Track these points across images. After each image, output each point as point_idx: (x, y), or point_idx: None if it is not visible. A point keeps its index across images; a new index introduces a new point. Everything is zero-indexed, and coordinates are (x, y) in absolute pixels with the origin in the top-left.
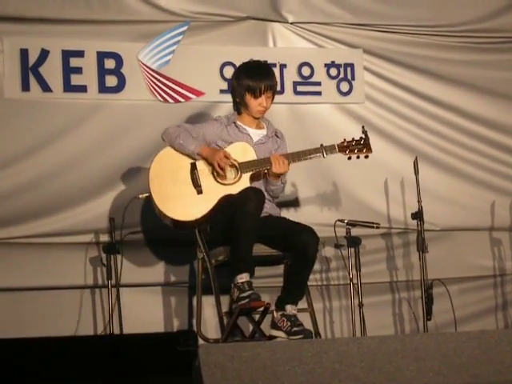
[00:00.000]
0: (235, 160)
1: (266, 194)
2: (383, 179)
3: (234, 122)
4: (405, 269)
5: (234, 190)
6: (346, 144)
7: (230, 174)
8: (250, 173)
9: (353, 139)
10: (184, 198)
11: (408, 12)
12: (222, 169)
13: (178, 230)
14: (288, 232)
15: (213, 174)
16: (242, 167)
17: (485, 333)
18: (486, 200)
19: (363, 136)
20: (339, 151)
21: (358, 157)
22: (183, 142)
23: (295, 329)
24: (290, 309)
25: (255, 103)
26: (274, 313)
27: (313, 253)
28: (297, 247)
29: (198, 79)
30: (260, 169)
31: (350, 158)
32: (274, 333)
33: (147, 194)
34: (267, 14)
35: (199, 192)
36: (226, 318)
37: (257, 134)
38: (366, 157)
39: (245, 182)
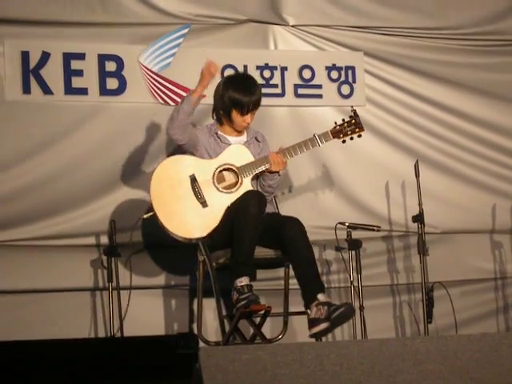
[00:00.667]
0: (233, 165)
1: (261, 189)
2: (384, 182)
3: (216, 133)
4: (405, 271)
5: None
6: (338, 128)
7: (230, 179)
8: (251, 176)
9: (343, 120)
10: (190, 214)
11: (409, 15)
12: (215, 70)
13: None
14: (275, 228)
15: (214, 183)
16: (241, 172)
17: (486, 336)
18: (487, 203)
19: (352, 115)
20: (333, 137)
21: (351, 138)
22: (176, 106)
23: (333, 307)
24: (322, 297)
25: (240, 119)
26: (309, 311)
27: (302, 242)
28: (285, 241)
29: None
30: (259, 170)
31: (344, 142)
32: (314, 330)
33: (152, 213)
34: (268, 16)
35: (204, 205)
36: (226, 320)
37: (237, 141)
38: (359, 136)
39: (247, 186)
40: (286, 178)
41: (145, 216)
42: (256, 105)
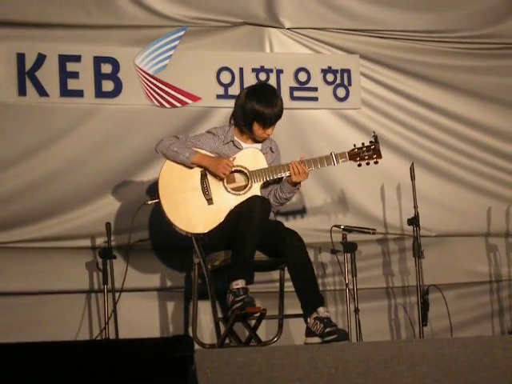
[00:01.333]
0: (245, 168)
1: (272, 199)
2: (379, 185)
3: (232, 141)
4: (401, 274)
5: None
6: (356, 151)
7: (240, 181)
8: (261, 182)
9: (363, 145)
10: (194, 208)
11: (405, 18)
12: (227, 176)
13: (186, 237)
14: (274, 238)
15: (223, 183)
16: (252, 176)
17: (481, 339)
18: (482, 206)
19: (373, 140)
20: (350, 159)
21: (367, 163)
22: (177, 149)
23: (328, 329)
24: (322, 311)
25: (262, 132)
26: (308, 319)
27: (301, 257)
28: (284, 255)
29: (194, 84)
30: (271, 178)
31: (360, 165)
32: (309, 340)
33: (156, 200)
34: (264, 19)
35: (210, 203)
36: (221, 323)
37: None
38: (376, 163)
39: (255, 191)
40: (300, 199)
41: (149, 202)
42: (278, 117)
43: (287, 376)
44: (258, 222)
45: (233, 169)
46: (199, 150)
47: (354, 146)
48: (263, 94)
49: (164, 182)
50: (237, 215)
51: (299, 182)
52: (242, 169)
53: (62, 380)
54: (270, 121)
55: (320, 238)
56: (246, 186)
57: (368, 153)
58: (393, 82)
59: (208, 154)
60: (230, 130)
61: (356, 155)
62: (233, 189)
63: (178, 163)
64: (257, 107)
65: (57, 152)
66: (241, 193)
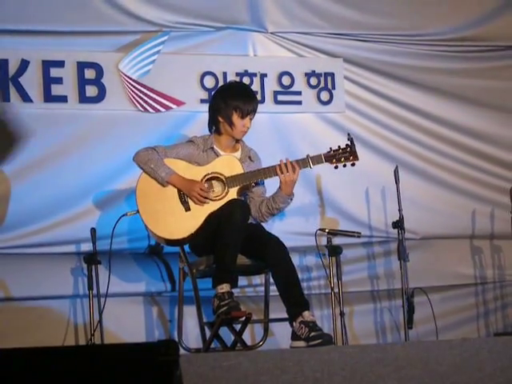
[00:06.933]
0: (222, 174)
1: (264, 210)
2: (364, 188)
3: (212, 148)
4: (386, 277)
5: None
6: (332, 153)
7: (218, 188)
8: (238, 187)
9: (339, 147)
10: (172, 215)
11: (388, 21)
12: (201, 202)
13: (169, 246)
14: (256, 242)
15: None
16: (228, 182)
17: (466, 341)
18: (467, 208)
19: (349, 143)
20: (326, 161)
21: (344, 165)
22: (154, 166)
23: (313, 334)
24: (307, 315)
25: (241, 124)
26: (294, 323)
27: (284, 264)
28: (267, 262)
29: (178, 89)
30: (247, 183)
31: (336, 167)
32: (295, 344)
33: (135, 212)
34: (247, 23)
35: (187, 209)
36: (207, 327)
37: None
38: (353, 165)
39: (232, 197)
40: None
41: (128, 213)
42: (254, 109)
43: (273, 380)
44: (238, 223)
45: (207, 199)
46: (175, 171)
47: (330, 148)
48: (236, 86)
49: (142, 192)
50: (217, 219)
51: (292, 192)
52: (218, 175)
53: None
54: (247, 110)
55: (305, 241)
56: (222, 191)
57: (344, 154)
58: (377, 85)
59: (183, 176)
60: (210, 138)
61: (332, 157)
62: (210, 196)
63: (152, 177)
64: (234, 98)
65: (41, 157)
66: (217, 198)
